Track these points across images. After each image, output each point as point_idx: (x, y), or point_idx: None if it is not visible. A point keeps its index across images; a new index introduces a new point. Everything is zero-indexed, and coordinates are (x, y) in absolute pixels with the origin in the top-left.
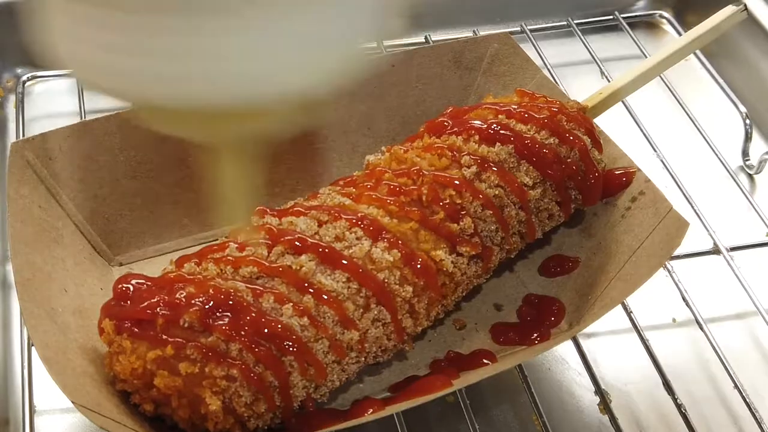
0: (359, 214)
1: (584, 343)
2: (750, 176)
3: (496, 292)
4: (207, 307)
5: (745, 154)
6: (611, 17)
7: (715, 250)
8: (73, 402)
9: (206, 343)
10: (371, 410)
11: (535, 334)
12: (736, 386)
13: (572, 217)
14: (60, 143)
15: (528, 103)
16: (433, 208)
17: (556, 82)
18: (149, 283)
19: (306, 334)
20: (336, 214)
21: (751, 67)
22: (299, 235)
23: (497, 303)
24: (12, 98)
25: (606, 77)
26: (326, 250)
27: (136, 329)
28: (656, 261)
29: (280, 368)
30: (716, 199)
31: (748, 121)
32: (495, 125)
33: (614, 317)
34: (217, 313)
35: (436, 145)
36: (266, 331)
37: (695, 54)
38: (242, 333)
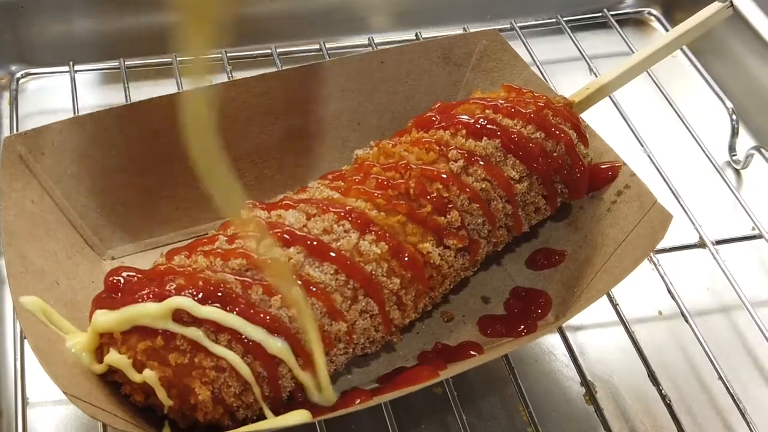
0: (347, 208)
1: (571, 335)
2: (736, 171)
3: (483, 284)
4: (196, 298)
5: (731, 149)
6: (600, 14)
7: (701, 244)
8: (64, 392)
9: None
10: (359, 400)
11: (522, 326)
12: (720, 378)
13: (559, 211)
14: (53, 138)
15: (515, 98)
16: (420, 202)
17: (546, 79)
18: (140, 276)
19: (294, 325)
20: (324, 208)
21: (738, 64)
22: (288, 228)
23: (485, 296)
24: (6, 95)
25: (594, 73)
26: (314, 243)
27: None
28: (641, 253)
29: (269, 358)
30: (703, 194)
31: (734, 117)
32: (482, 120)
33: (601, 310)
34: (207, 305)
35: (423, 140)
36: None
37: (682, 50)
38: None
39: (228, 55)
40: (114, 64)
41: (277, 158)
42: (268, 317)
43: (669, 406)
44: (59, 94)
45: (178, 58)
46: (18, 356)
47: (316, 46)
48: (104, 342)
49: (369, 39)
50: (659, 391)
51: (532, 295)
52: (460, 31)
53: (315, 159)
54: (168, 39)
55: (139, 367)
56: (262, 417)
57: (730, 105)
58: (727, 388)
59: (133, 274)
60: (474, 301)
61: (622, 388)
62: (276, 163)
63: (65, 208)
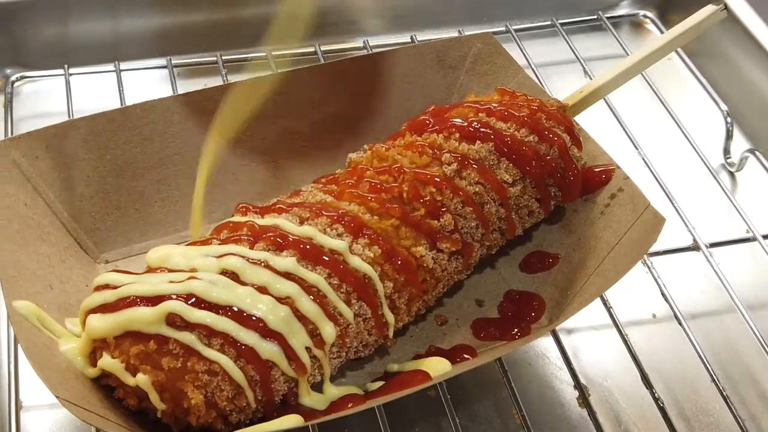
0: (340, 211)
1: (564, 338)
2: (731, 174)
3: (477, 288)
4: (189, 302)
5: (726, 152)
6: (595, 17)
7: (695, 247)
8: (57, 397)
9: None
10: (351, 404)
11: (516, 330)
12: (713, 381)
13: (552, 214)
14: (46, 142)
15: (508, 102)
16: (413, 205)
17: (541, 81)
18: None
19: (286, 328)
20: (317, 211)
21: (733, 66)
22: (281, 232)
23: (478, 299)
24: (1, 98)
25: (589, 76)
26: (307, 246)
27: None
28: (634, 257)
29: (261, 362)
30: (697, 196)
31: (729, 120)
32: (475, 123)
33: (594, 313)
34: (199, 308)
35: (417, 143)
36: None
37: (677, 52)
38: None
39: (223, 58)
40: (109, 67)
41: (271, 161)
42: (260, 322)
43: (662, 410)
44: (54, 97)
45: (173, 62)
46: (12, 360)
47: (312, 49)
48: (97, 346)
49: (364, 42)
50: (652, 394)
51: (526, 298)
52: (455, 34)
53: (309, 162)
54: (163, 42)
55: (132, 371)
56: (254, 421)
57: (724, 107)
58: (721, 392)
59: (127, 278)
60: (468, 304)
61: (615, 391)
62: (270, 166)
63: (59, 211)
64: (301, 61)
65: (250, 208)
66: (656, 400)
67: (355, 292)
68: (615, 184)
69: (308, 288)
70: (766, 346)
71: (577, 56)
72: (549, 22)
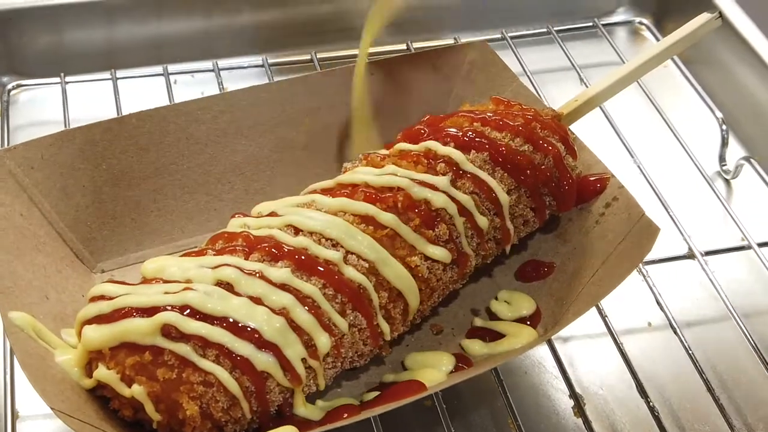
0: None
1: (560, 347)
2: (726, 181)
3: (473, 297)
4: (185, 313)
5: (721, 159)
6: (591, 24)
7: (690, 255)
8: (51, 408)
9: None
10: (346, 414)
11: None
12: (708, 389)
13: (547, 223)
14: (42, 152)
15: (503, 111)
16: (408, 215)
17: (536, 89)
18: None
19: (281, 339)
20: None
21: (728, 73)
22: (276, 242)
23: (474, 308)
24: None
25: (585, 84)
26: (302, 257)
27: None
28: (629, 266)
29: (257, 374)
30: (692, 204)
31: (724, 127)
32: (470, 133)
33: (589, 321)
34: (194, 319)
35: (412, 153)
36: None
37: (673, 60)
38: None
39: (219, 66)
40: (106, 75)
41: (267, 171)
42: (255, 333)
43: (657, 419)
44: (50, 106)
45: (169, 70)
46: (8, 370)
47: (307, 57)
48: (93, 357)
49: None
50: (647, 403)
51: None
52: (451, 41)
53: (304, 171)
54: (161, 50)
55: (127, 382)
56: None
57: (720, 115)
58: (716, 400)
59: (122, 289)
60: (463, 313)
61: (610, 400)
62: (265, 175)
63: (55, 221)
64: (298, 69)
65: (246, 215)
66: (651, 409)
67: (350, 303)
68: (610, 193)
69: (303, 299)
70: (761, 354)
71: (572, 63)
72: (545, 29)
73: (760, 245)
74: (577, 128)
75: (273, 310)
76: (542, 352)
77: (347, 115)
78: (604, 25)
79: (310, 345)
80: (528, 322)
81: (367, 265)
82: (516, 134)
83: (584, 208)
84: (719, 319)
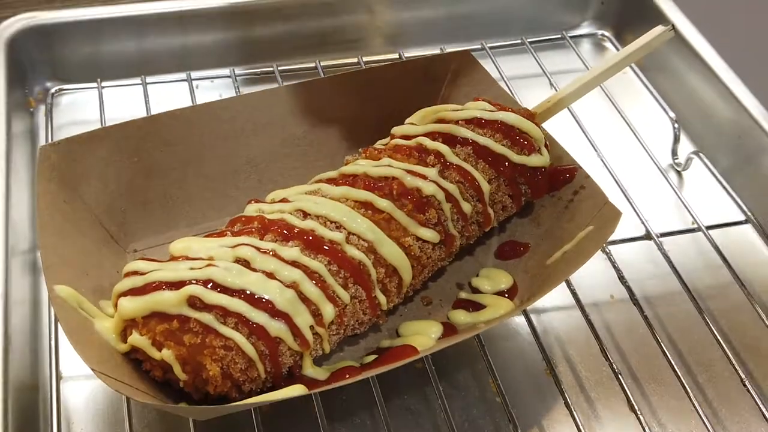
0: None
1: (534, 317)
2: (678, 173)
3: (458, 273)
4: (207, 287)
5: (674, 153)
6: (560, 36)
7: (648, 236)
8: (92, 369)
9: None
10: (349, 375)
11: None
12: (663, 352)
13: (523, 209)
14: (82, 147)
15: (485, 110)
16: (402, 201)
17: (511, 92)
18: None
19: (291, 308)
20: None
21: (680, 79)
22: (287, 225)
23: (459, 282)
24: (42, 108)
25: (555, 88)
26: (310, 238)
27: None
28: (594, 245)
29: (270, 339)
30: (649, 193)
31: (676, 125)
32: (456, 129)
33: (560, 294)
34: (216, 292)
35: (405, 147)
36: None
37: (631, 67)
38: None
39: (236, 73)
40: (137, 80)
41: (278, 163)
42: (269, 303)
43: (618, 378)
44: (88, 108)
45: (192, 76)
46: (53, 337)
47: (312, 64)
48: (127, 325)
49: (358, 58)
50: (610, 364)
51: None
52: (438, 51)
53: (311, 164)
54: (184, 59)
55: (158, 347)
56: (264, 390)
57: (672, 115)
58: (669, 362)
59: (153, 265)
60: (450, 287)
61: (578, 362)
62: (277, 167)
63: (93, 207)
64: (303, 75)
65: (261, 201)
66: (613, 369)
67: (352, 277)
68: (578, 182)
69: (311, 274)
70: (707, 321)
71: (543, 70)
72: (519, 41)
73: (708, 228)
74: (549, 126)
75: (284, 284)
76: (518, 321)
77: (347, 113)
78: (571, 36)
79: (317, 314)
80: (506, 295)
81: (366, 244)
82: (495, 130)
83: (555, 195)
84: (673, 292)
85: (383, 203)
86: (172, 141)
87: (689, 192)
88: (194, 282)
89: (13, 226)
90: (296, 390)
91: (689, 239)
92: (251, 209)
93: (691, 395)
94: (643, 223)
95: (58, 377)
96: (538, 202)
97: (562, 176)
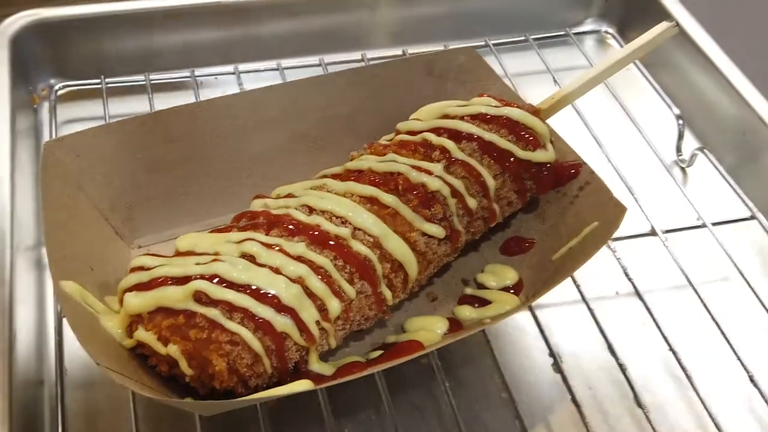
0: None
1: (540, 313)
2: (682, 169)
3: (463, 269)
4: (213, 282)
5: (678, 150)
6: (563, 32)
7: (652, 233)
8: (97, 363)
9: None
10: (355, 370)
11: None
12: (670, 349)
13: (528, 204)
14: (86, 143)
15: (490, 106)
16: (407, 196)
17: (516, 89)
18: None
19: (298, 303)
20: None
21: (684, 75)
22: (293, 220)
23: (464, 278)
24: (46, 105)
25: (558, 85)
26: (316, 233)
27: None
28: (599, 241)
29: (276, 334)
30: (653, 189)
31: (680, 122)
32: (462, 125)
33: (565, 290)
34: (222, 287)
35: (410, 142)
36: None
37: (635, 64)
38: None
39: (239, 69)
40: (140, 77)
41: (282, 159)
42: (275, 298)
43: (624, 372)
44: (92, 104)
45: (195, 73)
46: (57, 333)
47: (316, 61)
48: (133, 320)
49: (362, 55)
50: (616, 359)
51: None
52: (442, 48)
53: (315, 160)
54: (188, 56)
55: (164, 342)
56: (270, 385)
57: (676, 111)
58: (675, 356)
59: (159, 261)
60: (455, 283)
61: (584, 358)
62: (281, 163)
63: (98, 202)
64: (307, 71)
65: (266, 196)
66: (620, 365)
67: (358, 272)
68: (583, 178)
69: (317, 269)
70: (712, 316)
71: (547, 67)
72: (523, 38)
73: (713, 224)
74: (553, 123)
75: (290, 279)
76: (524, 317)
77: (351, 109)
78: (574, 33)
79: (323, 309)
80: (511, 291)
81: (372, 239)
82: (501, 126)
83: (560, 191)
84: (678, 288)
85: (388, 198)
86: (175, 137)
87: (694, 188)
88: (200, 277)
89: (18, 223)
90: (302, 385)
91: (694, 235)
92: (257, 204)
93: (699, 390)
94: (647, 219)
95: (63, 373)
96: (544, 198)
97: (567, 172)
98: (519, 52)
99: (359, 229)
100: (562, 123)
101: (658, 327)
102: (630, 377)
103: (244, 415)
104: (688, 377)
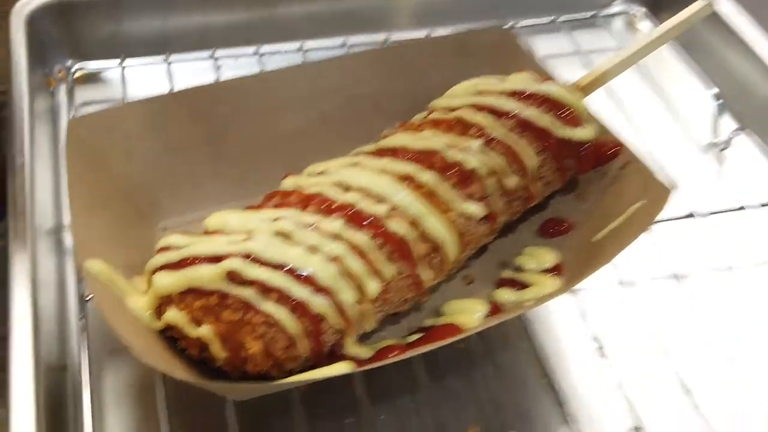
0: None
1: (578, 296)
2: (720, 151)
3: (500, 251)
4: (247, 261)
5: (715, 131)
6: (593, 13)
7: (691, 215)
8: (128, 346)
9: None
10: (396, 352)
11: None
12: (713, 332)
13: (568, 184)
14: (109, 121)
15: (528, 82)
16: (445, 175)
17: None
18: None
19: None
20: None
21: (720, 55)
22: (328, 198)
23: (501, 260)
24: (62, 87)
25: (589, 67)
26: (352, 212)
27: None
28: (644, 222)
29: (313, 316)
30: (691, 171)
31: (718, 102)
32: (500, 101)
33: (603, 273)
34: (256, 266)
35: (446, 120)
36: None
37: (670, 43)
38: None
39: (261, 50)
40: (159, 58)
41: (309, 140)
42: (312, 278)
43: (668, 358)
44: (110, 86)
45: (215, 54)
46: (79, 316)
47: (340, 42)
48: (163, 302)
49: (386, 37)
50: (659, 344)
51: None
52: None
53: (343, 140)
54: (208, 37)
55: (195, 324)
56: (305, 369)
57: (713, 91)
58: (716, 338)
59: (189, 240)
60: (492, 265)
61: (625, 342)
62: (308, 143)
63: (121, 183)
64: (331, 53)
65: (297, 175)
66: (662, 349)
67: (396, 253)
68: (623, 157)
69: (354, 249)
70: (752, 301)
71: (576, 50)
72: (552, 18)
73: (753, 206)
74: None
75: (327, 259)
76: (562, 300)
77: (378, 89)
78: (604, 15)
79: (360, 290)
80: (551, 274)
81: (410, 219)
82: (540, 103)
83: (600, 171)
84: (717, 270)
85: (426, 176)
86: (200, 117)
87: (732, 170)
88: (233, 256)
89: (39, 207)
90: (343, 367)
91: (733, 218)
92: (288, 183)
93: (743, 373)
94: (685, 202)
95: (87, 357)
96: (582, 178)
97: (608, 151)
98: (546, 34)
99: (397, 208)
100: (594, 104)
101: (697, 309)
102: (675, 363)
103: (276, 400)
104: (732, 361)
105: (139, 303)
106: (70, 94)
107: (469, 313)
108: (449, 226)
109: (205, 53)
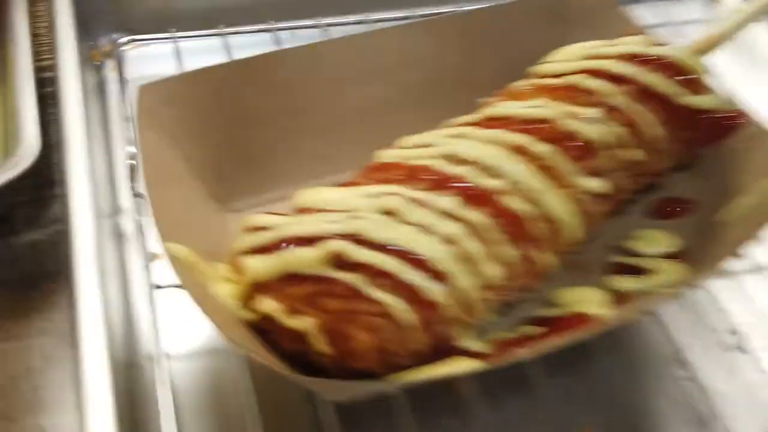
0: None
1: (711, 283)
2: None
3: (608, 233)
4: (352, 242)
5: None
6: None
7: None
8: (227, 338)
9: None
10: (523, 346)
11: None
12: None
13: (688, 160)
14: (176, 90)
15: (643, 45)
16: (562, 146)
17: None
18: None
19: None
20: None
21: None
22: (437, 172)
23: (609, 244)
24: (109, 63)
25: (681, 40)
26: (466, 187)
27: None
28: None
29: (427, 304)
30: None
31: None
32: (615, 66)
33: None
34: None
35: (558, 86)
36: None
37: None
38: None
39: (323, 21)
40: (213, 31)
41: (393, 113)
42: (426, 262)
43: None
44: (160, 61)
45: (276, 25)
46: (147, 309)
47: (407, 14)
48: (255, 289)
49: (456, 8)
50: None
51: None
52: None
53: (429, 113)
54: (264, 9)
55: (294, 314)
56: (420, 364)
57: None
58: None
59: (281, 219)
60: (601, 249)
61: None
62: (390, 117)
63: (192, 159)
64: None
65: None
66: None
67: (514, 234)
68: (749, 130)
69: (470, 228)
70: None
71: (667, 21)
72: None
73: None
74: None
75: (442, 240)
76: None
77: (464, 58)
78: None
79: (479, 276)
80: (672, 260)
81: (528, 196)
82: (659, 68)
83: (724, 145)
84: None
85: (542, 148)
86: (273, 88)
87: None
88: (336, 237)
89: (98, 190)
90: (469, 364)
91: None
92: (387, 155)
93: None
94: None
95: (161, 354)
96: (705, 153)
97: (731, 123)
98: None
99: (513, 183)
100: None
101: None
102: None
103: (381, 400)
104: None
105: (227, 291)
106: (118, 69)
107: (591, 302)
108: (572, 203)
109: (262, 26)
